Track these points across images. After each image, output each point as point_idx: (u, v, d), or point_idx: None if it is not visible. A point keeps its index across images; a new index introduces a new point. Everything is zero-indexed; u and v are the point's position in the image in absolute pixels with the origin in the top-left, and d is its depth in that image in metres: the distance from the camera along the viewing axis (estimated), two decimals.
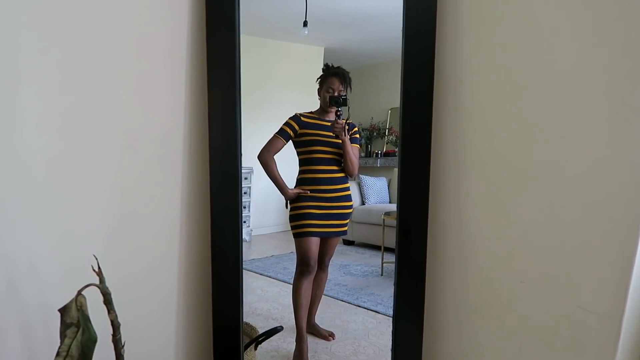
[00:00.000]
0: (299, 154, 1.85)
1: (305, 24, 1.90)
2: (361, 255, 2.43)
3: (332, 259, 1.96)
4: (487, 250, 1.16)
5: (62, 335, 0.88)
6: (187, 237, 1.38)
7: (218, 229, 1.35)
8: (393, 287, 1.27)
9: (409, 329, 1.26)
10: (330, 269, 1.98)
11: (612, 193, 0.96)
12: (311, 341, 1.81)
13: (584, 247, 1.00)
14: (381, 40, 2.02)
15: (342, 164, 1.83)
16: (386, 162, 2.35)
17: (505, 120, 1.12)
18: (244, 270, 1.38)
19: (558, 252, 1.04)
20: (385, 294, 2.10)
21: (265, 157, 1.81)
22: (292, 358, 1.72)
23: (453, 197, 1.22)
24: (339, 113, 1.76)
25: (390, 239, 2.14)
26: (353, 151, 1.81)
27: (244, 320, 1.46)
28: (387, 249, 2.20)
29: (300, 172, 1.85)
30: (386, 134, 2.37)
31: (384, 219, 2.17)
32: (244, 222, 2.38)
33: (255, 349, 1.50)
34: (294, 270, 1.86)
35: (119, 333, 0.97)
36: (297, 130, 1.81)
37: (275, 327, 1.51)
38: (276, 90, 2.31)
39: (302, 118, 1.82)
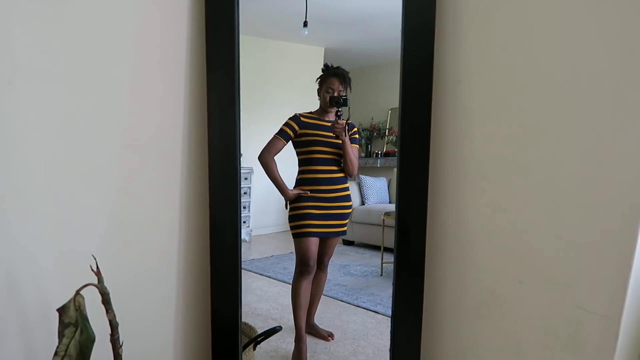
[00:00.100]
0: (298, 154, 1.85)
1: (305, 24, 1.90)
2: (361, 255, 2.43)
3: (331, 259, 1.96)
4: (486, 250, 1.16)
5: (61, 335, 0.89)
6: (186, 236, 1.38)
7: (217, 229, 1.35)
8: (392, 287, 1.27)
9: (407, 329, 1.26)
10: (329, 269, 1.98)
11: (611, 193, 0.96)
12: (310, 341, 1.81)
13: (583, 247, 1.00)
14: (381, 41, 2.02)
15: (342, 164, 1.83)
16: (386, 162, 2.35)
17: (503, 120, 1.12)
18: (243, 271, 1.38)
19: (557, 252, 1.04)
20: (384, 294, 2.10)
21: (266, 158, 1.82)
22: (291, 358, 1.72)
23: (452, 197, 1.22)
24: (339, 113, 1.76)
25: (390, 239, 2.13)
26: (353, 151, 1.81)
27: (243, 320, 1.47)
28: (387, 249, 2.19)
29: (299, 173, 1.85)
30: (386, 134, 2.37)
31: (383, 219, 2.16)
32: (244, 222, 2.38)
33: (254, 349, 1.50)
34: (294, 270, 1.86)
35: (117, 333, 0.97)
36: (296, 131, 1.81)
37: (274, 327, 1.51)
38: (277, 90, 2.31)
39: (302, 118, 1.82)
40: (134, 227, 1.27)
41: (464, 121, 1.18)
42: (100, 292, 0.93)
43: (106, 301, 0.94)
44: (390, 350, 1.29)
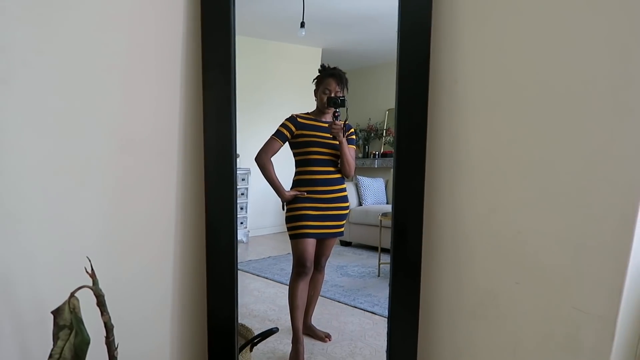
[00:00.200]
0: (295, 155, 1.85)
1: (302, 25, 1.90)
2: (358, 256, 2.43)
3: (329, 260, 1.96)
4: (482, 251, 1.16)
5: (55, 338, 0.88)
6: (182, 237, 1.38)
7: (213, 230, 1.35)
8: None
9: (404, 329, 1.26)
10: (327, 270, 1.98)
11: (607, 195, 0.96)
12: (307, 342, 1.81)
13: (579, 248, 1.00)
14: (378, 42, 2.02)
15: (339, 165, 1.83)
16: (383, 162, 2.35)
17: (500, 120, 1.12)
18: (240, 272, 1.38)
19: (553, 253, 1.04)
20: (382, 295, 2.10)
21: (263, 159, 1.81)
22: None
23: (448, 198, 1.22)
24: (336, 114, 1.76)
25: (388, 240, 2.14)
26: (350, 152, 1.81)
27: (240, 321, 1.46)
28: (385, 250, 2.19)
29: (296, 173, 1.85)
30: (384, 134, 2.38)
31: (381, 220, 2.16)
32: (241, 223, 2.38)
33: (251, 350, 1.50)
34: (291, 271, 1.86)
35: (113, 335, 0.97)
36: (293, 132, 1.81)
37: (271, 329, 1.51)
38: (274, 91, 2.31)
39: (299, 119, 1.82)
40: (130, 227, 1.26)
41: (460, 121, 1.18)
42: (95, 294, 0.93)
43: (101, 303, 0.94)
44: (387, 350, 1.29)
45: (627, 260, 0.94)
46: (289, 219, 1.85)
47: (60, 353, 0.88)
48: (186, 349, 1.44)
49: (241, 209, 2.36)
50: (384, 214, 2.13)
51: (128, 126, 1.23)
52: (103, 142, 1.18)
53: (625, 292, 0.95)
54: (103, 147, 1.18)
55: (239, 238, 1.39)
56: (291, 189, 1.85)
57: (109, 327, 0.96)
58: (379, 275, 2.27)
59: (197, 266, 1.41)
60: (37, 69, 1.06)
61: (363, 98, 2.32)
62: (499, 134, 1.12)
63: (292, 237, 1.84)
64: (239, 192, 2.26)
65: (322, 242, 1.89)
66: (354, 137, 1.85)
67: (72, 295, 0.89)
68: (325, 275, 1.97)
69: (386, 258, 2.18)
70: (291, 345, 1.76)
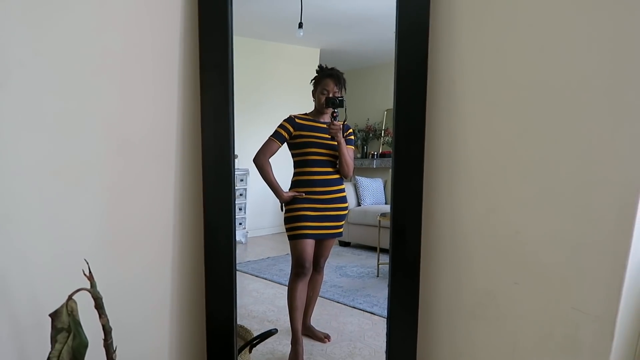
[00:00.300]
0: (293, 155, 1.84)
1: (300, 25, 1.90)
2: (357, 256, 2.43)
3: (327, 260, 1.95)
4: (481, 252, 1.16)
5: (53, 340, 0.88)
6: (180, 238, 1.38)
7: (211, 231, 1.35)
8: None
9: (403, 329, 1.26)
10: (326, 270, 1.97)
11: (605, 195, 0.96)
12: (307, 343, 1.80)
13: (578, 248, 1.00)
14: (377, 42, 2.02)
15: (338, 166, 1.83)
16: (382, 163, 2.35)
17: (498, 121, 1.11)
18: (239, 273, 1.38)
19: (551, 253, 1.04)
20: (381, 296, 2.10)
21: (261, 161, 1.81)
22: None
23: (447, 198, 1.22)
24: (335, 114, 1.76)
25: (387, 240, 2.14)
26: (348, 152, 1.81)
27: (239, 323, 1.46)
28: (383, 250, 2.19)
29: (295, 174, 1.85)
30: (382, 135, 2.38)
31: (379, 220, 2.16)
32: (240, 224, 2.37)
33: (250, 351, 1.49)
34: (290, 272, 1.86)
35: (111, 338, 0.97)
36: (291, 132, 1.80)
37: (270, 330, 1.51)
38: (272, 92, 2.31)
39: (297, 120, 1.81)
40: (128, 229, 1.26)
41: (458, 122, 1.18)
42: (93, 297, 0.92)
43: (99, 306, 0.94)
44: (386, 351, 1.29)
45: (625, 260, 0.94)
46: (287, 220, 1.84)
47: (59, 356, 0.87)
48: (185, 350, 1.43)
49: (240, 209, 2.36)
50: (383, 214, 2.13)
51: (125, 127, 1.22)
52: (100, 143, 1.18)
53: (624, 292, 0.95)
54: (100, 148, 1.18)
55: (237, 239, 1.39)
56: (290, 189, 1.85)
57: (107, 330, 0.96)
58: (378, 276, 2.27)
59: (195, 267, 1.41)
60: (33, 69, 1.05)
61: (361, 98, 2.32)
62: (497, 133, 1.12)
63: (290, 237, 1.84)
64: (237, 193, 2.27)
65: (321, 242, 1.88)
66: (352, 137, 1.85)
67: (69, 297, 0.89)
68: (324, 276, 1.97)
69: (385, 258, 2.18)
70: (290, 346, 1.76)
